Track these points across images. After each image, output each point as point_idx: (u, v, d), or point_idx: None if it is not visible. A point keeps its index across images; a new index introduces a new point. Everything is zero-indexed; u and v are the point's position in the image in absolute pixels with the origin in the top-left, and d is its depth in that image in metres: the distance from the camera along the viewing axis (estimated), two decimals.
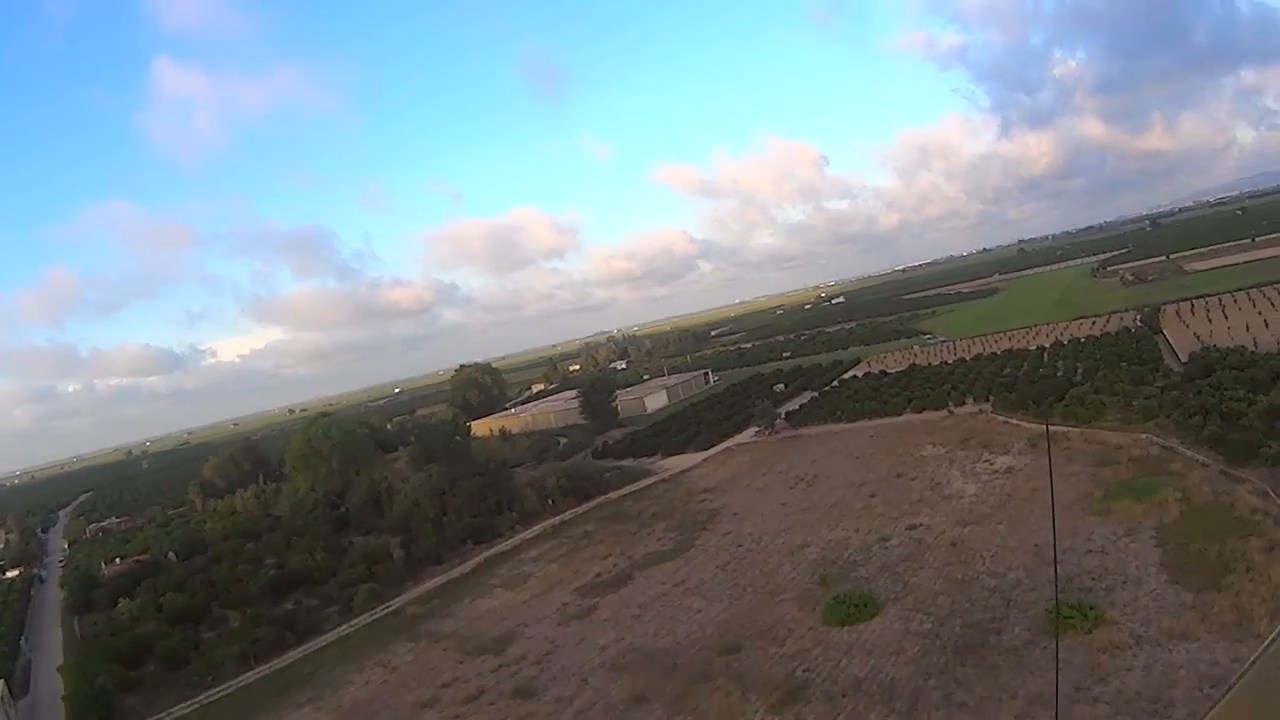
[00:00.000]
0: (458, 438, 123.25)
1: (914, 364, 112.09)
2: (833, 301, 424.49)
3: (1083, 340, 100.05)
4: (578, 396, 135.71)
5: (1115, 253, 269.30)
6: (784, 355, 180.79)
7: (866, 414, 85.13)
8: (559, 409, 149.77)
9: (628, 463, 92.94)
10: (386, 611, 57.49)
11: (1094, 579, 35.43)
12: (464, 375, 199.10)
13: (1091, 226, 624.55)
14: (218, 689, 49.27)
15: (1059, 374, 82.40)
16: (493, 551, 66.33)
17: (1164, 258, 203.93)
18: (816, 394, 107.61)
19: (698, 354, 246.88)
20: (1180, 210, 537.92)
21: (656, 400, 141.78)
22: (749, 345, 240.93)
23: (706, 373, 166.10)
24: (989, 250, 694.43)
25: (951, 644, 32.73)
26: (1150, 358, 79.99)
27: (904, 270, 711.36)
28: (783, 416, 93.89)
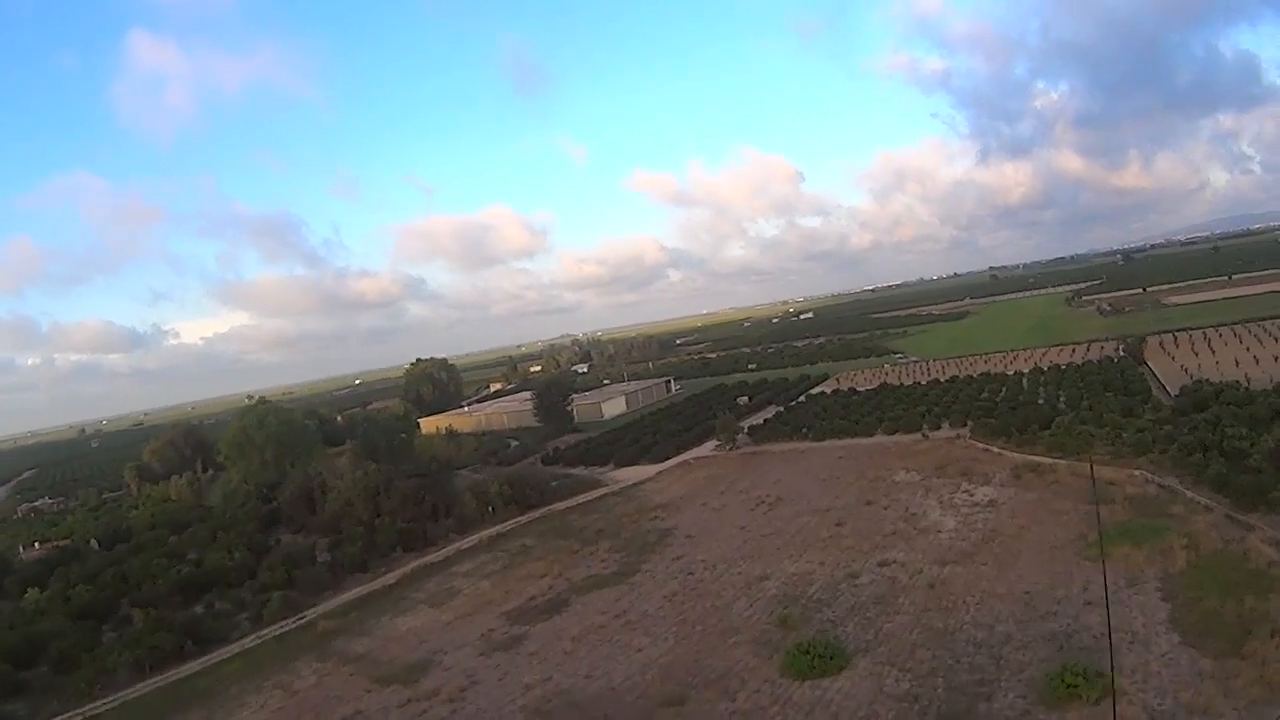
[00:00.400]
0: (403, 434, 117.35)
1: (885, 383, 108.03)
2: (800, 316, 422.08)
3: (1063, 367, 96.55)
4: (533, 398, 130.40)
5: (1089, 283, 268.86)
6: (749, 367, 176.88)
7: (835, 433, 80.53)
8: (514, 410, 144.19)
9: (579, 471, 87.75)
10: (300, 623, 51.69)
11: (1096, 637, 30.67)
12: (419, 370, 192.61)
13: (1062, 258, 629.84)
14: (106, 699, 43.41)
15: (1040, 401, 78.51)
16: (423, 561, 60.69)
17: (1140, 290, 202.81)
18: (781, 409, 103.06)
19: (661, 361, 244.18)
20: (1152, 247, 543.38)
21: (615, 406, 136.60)
22: (714, 355, 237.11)
23: (668, 380, 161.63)
24: (960, 275, 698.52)
25: (933, 710, 27.78)
26: (1138, 388, 76.28)
27: (874, 290, 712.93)
28: (745, 431, 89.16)
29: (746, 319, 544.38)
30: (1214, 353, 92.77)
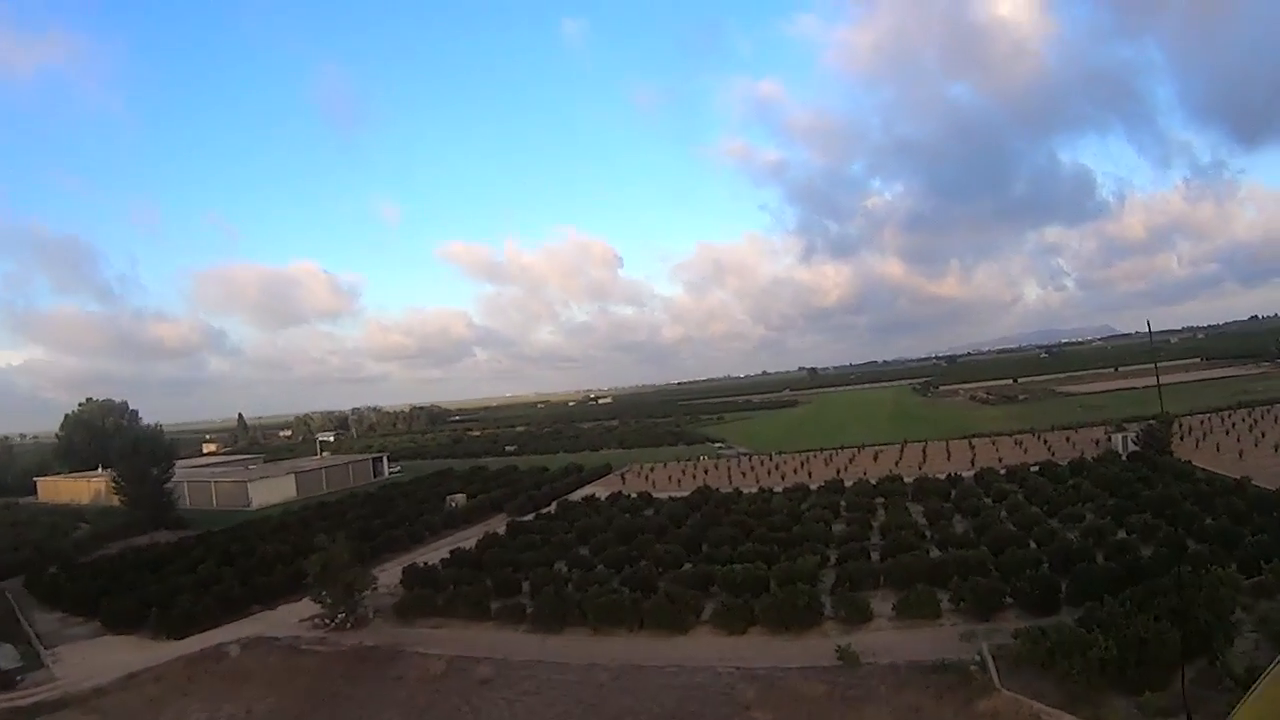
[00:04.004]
0: None
1: (705, 487, 61.14)
2: (599, 401, 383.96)
3: (1036, 466, 53.74)
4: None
5: (924, 379, 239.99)
6: (506, 449, 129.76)
7: (592, 616, 31.87)
8: None
9: (54, 620, 38.39)
10: None
11: None
12: (83, 412, 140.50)
13: (874, 362, 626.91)
14: None
15: (1079, 534, 33.66)
16: None
17: (1010, 380, 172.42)
18: (511, 522, 54.29)
19: (412, 435, 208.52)
20: (967, 354, 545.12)
21: (275, 490, 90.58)
22: (477, 433, 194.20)
23: (380, 459, 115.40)
24: (769, 374, 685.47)
25: None
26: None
27: (680, 384, 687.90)
28: (396, 585, 39.78)
29: (543, 401, 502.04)
30: (1257, 445, 54.00)
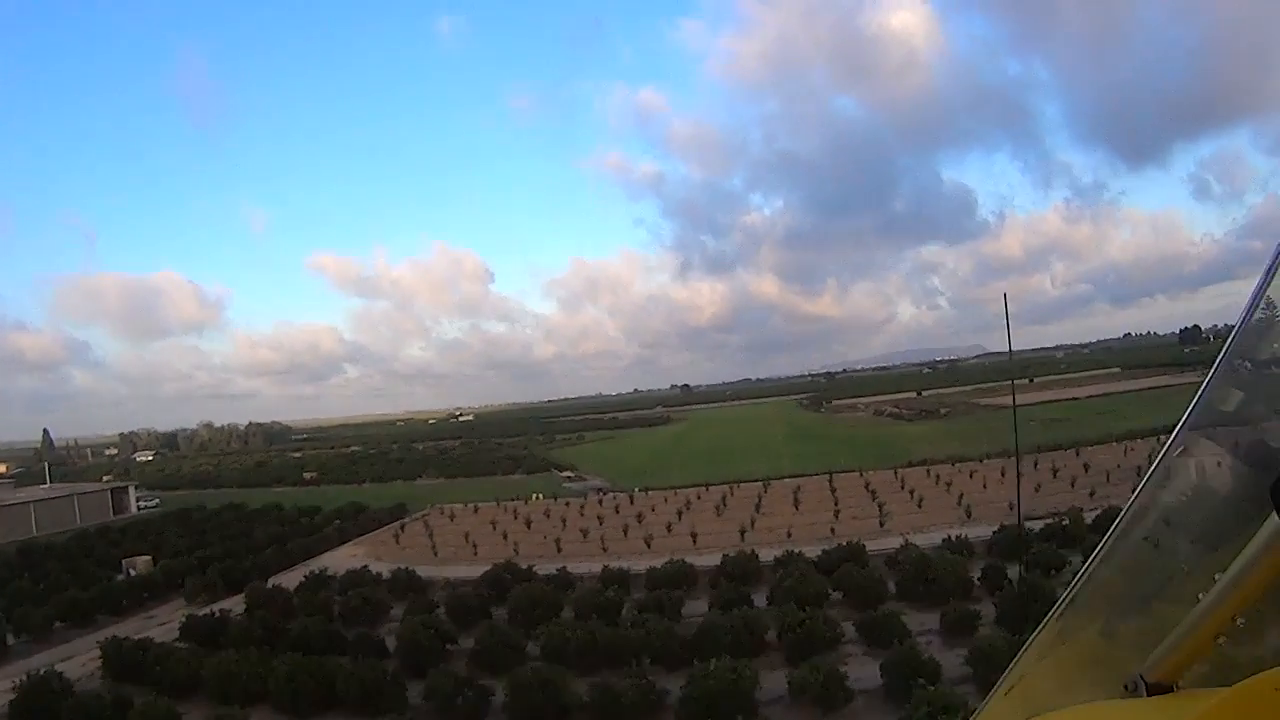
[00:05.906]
0: None
1: (510, 565, 35.33)
2: (460, 418, 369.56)
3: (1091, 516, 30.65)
4: None
5: (807, 394, 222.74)
6: (304, 476, 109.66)
7: None
8: None
9: None
10: None
11: None
12: None
13: (747, 379, 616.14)
14: None
15: None
16: None
17: (914, 394, 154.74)
18: (111, 642, 27.37)
19: (241, 457, 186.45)
20: (843, 371, 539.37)
21: None
22: (298, 454, 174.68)
23: (124, 489, 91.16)
24: (642, 392, 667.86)
25: None
26: None
27: (550, 402, 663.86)
28: None
29: (402, 420, 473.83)
30: None
